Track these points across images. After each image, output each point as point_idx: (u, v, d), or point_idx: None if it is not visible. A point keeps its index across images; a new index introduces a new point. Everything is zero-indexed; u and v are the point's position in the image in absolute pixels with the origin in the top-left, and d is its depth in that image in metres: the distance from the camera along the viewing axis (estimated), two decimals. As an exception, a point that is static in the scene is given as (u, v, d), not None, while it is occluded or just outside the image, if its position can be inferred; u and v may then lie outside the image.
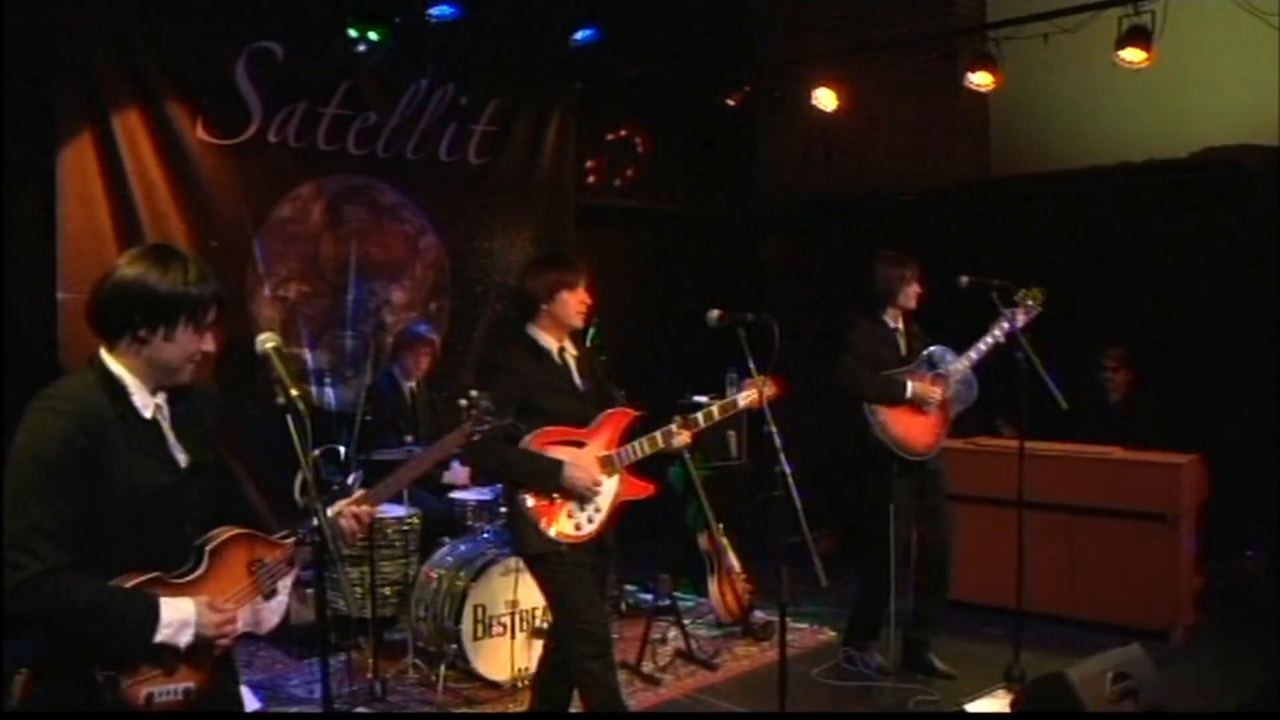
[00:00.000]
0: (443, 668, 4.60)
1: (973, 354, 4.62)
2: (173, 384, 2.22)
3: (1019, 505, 4.47)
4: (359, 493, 2.47)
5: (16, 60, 4.98)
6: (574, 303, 3.56)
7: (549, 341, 3.60)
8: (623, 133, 7.74)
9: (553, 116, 7.06)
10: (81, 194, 5.16)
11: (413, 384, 5.69)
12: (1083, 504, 5.48)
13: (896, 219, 7.34)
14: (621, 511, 3.60)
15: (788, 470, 3.13)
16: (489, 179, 6.79)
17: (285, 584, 2.31)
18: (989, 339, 4.57)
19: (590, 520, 3.51)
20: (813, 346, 4.72)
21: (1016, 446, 4.51)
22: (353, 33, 5.87)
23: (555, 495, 3.47)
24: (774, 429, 3.18)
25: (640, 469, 3.62)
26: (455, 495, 5.34)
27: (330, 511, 2.36)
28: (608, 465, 3.54)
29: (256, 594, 2.28)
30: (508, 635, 4.69)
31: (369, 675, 4.58)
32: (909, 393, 4.60)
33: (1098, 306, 6.38)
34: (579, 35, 6.67)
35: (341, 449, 4.93)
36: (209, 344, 2.20)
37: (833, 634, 5.45)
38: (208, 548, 2.22)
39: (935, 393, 4.65)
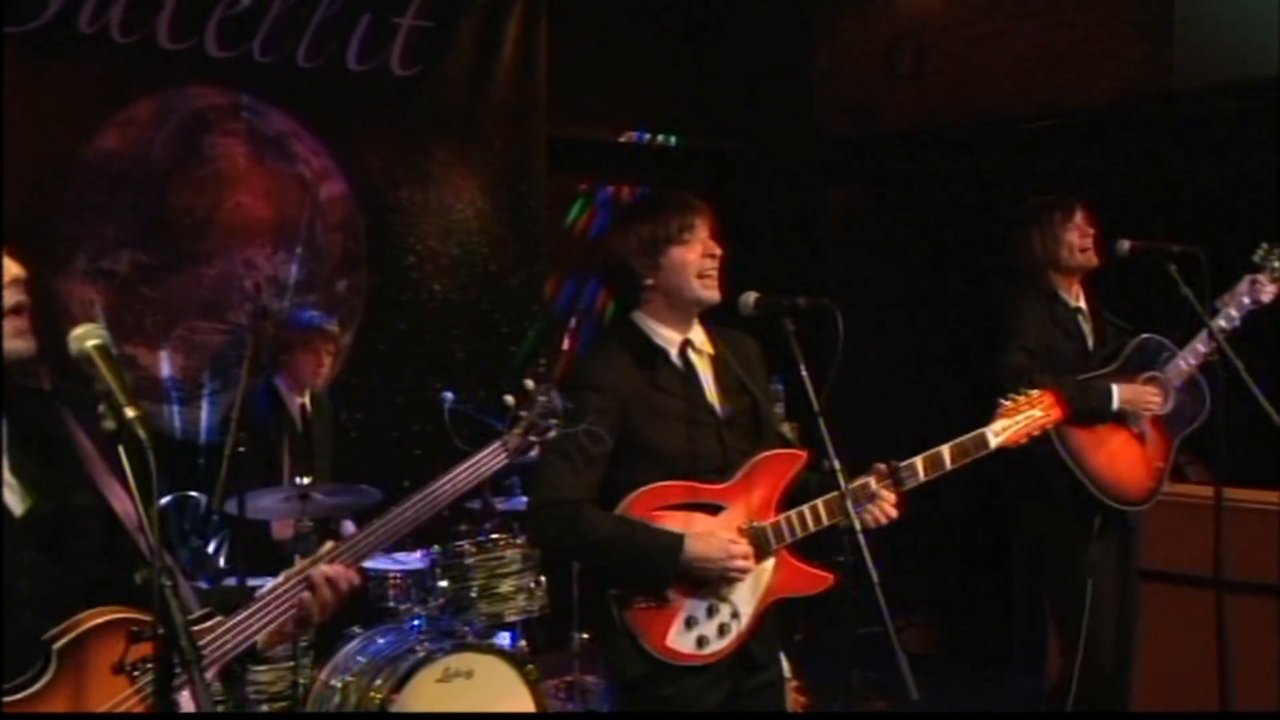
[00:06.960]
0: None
1: (1200, 346, 4.60)
2: None
3: (1217, 585, 4.38)
4: (328, 545, 2.48)
5: None
6: (692, 261, 3.25)
7: (666, 335, 3.33)
8: (617, 35, 7.72)
9: (514, 8, 7.09)
10: None
11: (304, 400, 5.69)
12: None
13: (1024, 155, 7.36)
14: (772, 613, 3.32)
15: (858, 527, 3.04)
16: (421, 99, 6.83)
17: (188, 693, 2.15)
18: (1223, 323, 4.51)
19: (723, 631, 3.20)
20: (893, 340, 4.64)
21: (1211, 496, 4.41)
22: None
23: (670, 592, 3.16)
24: (838, 466, 3.10)
25: (808, 549, 3.29)
26: (367, 565, 5.25)
27: (282, 578, 2.38)
28: (758, 542, 3.22)
29: (140, 708, 2.23)
30: (443, 776, 4.68)
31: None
32: (1115, 402, 4.57)
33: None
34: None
35: (201, 496, 5.16)
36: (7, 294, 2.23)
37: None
38: (56, 645, 2.19)
39: (1154, 399, 4.62)
